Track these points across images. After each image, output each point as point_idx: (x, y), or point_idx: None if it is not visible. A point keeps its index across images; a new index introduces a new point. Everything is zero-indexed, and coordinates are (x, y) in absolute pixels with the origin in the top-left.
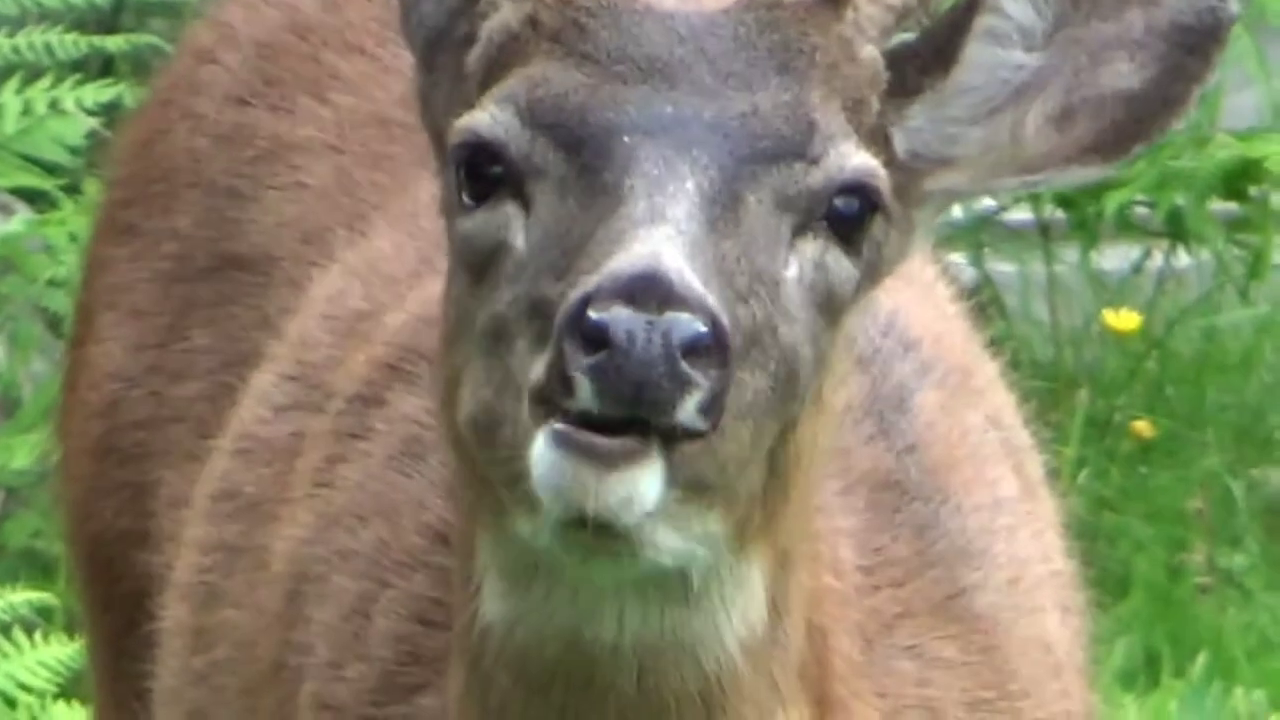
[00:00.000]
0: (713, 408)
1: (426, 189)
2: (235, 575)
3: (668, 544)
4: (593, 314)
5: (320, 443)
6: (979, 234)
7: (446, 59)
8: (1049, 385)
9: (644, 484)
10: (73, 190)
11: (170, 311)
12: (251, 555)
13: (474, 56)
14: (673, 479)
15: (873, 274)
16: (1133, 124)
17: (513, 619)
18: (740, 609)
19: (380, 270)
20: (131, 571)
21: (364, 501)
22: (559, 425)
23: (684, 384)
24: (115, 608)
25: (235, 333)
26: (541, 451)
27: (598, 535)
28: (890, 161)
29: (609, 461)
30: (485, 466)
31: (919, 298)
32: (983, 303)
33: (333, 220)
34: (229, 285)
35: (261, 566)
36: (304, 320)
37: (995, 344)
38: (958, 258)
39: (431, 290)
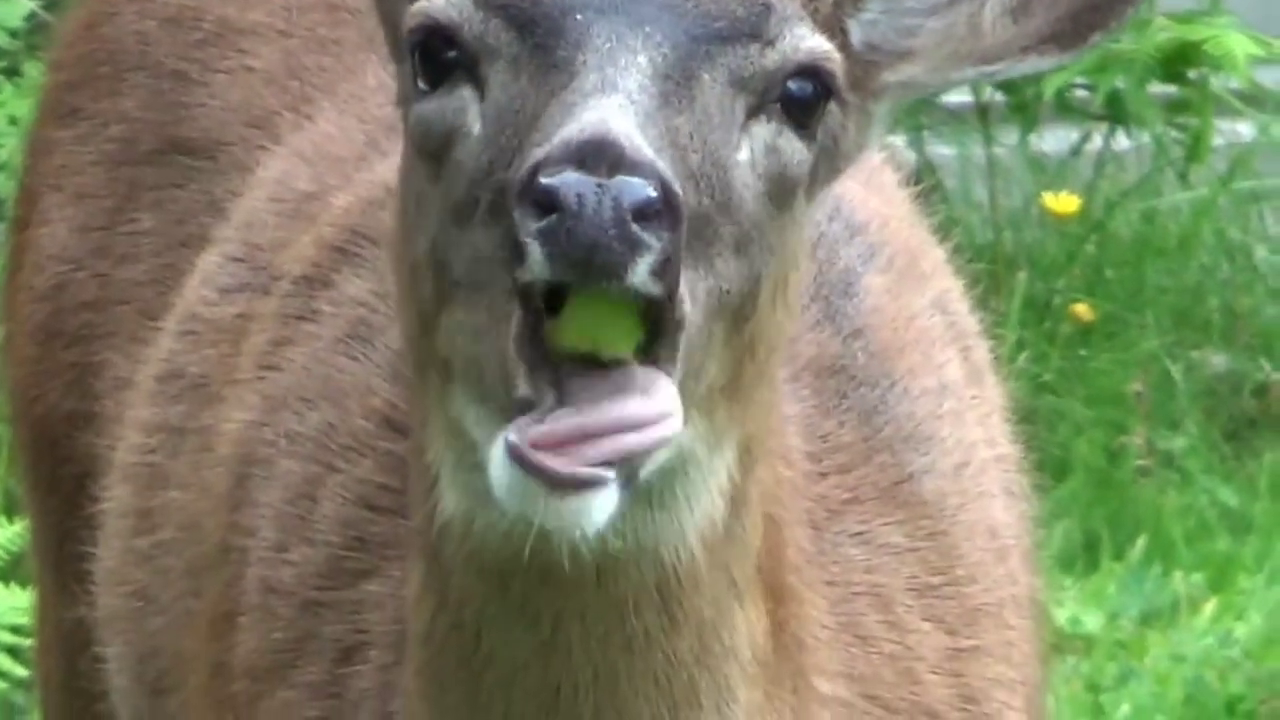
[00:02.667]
0: (665, 271)
1: (374, 73)
2: (180, 456)
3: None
4: (543, 179)
5: (266, 325)
6: (918, 116)
7: None
8: (988, 268)
9: (597, 510)
10: (12, 73)
11: (116, 194)
12: (197, 436)
13: None
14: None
15: (831, 164)
16: (1088, 12)
17: (470, 512)
18: (703, 504)
19: (327, 152)
20: (76, 454)
21: (310, 385)
22: (513, 438)
23: (635, 246)
24: (59, 490)
25: (181, 216)
26: (498, 461)
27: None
28: (847, 53)
29: (563, 488)
30: (435, 357)
31: (865, 182)
32: (925, 188)
33: (279, 104)
34: (175, 169)
35: (207, 448)
36: (250, 202)
37: (938, 229)
38: (896, 140)
39: (379, 173)
